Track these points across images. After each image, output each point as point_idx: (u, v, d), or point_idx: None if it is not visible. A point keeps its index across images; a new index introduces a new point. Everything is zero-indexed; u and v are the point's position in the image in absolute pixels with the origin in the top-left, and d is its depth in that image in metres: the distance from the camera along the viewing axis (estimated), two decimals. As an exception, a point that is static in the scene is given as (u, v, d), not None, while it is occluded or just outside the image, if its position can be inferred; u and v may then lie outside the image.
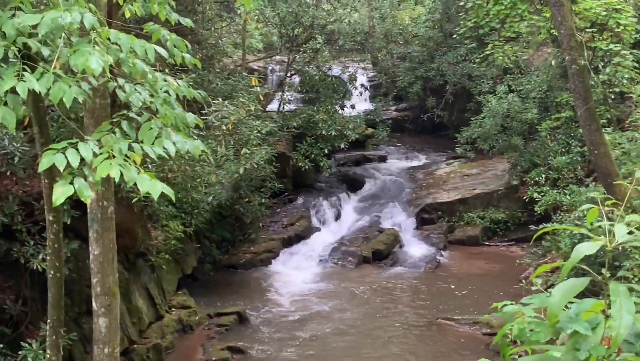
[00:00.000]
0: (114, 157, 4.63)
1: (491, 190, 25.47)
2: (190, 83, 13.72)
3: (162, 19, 6.48)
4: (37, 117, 7.20)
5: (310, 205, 26.04)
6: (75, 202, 13.44)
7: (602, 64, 20.17)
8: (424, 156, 30.86)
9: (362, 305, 20.17)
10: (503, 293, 20.85)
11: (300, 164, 25.06)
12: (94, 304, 7.79)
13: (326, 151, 25.75)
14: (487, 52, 20.32)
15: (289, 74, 27.97)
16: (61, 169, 4.51)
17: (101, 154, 4.63)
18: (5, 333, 12.85)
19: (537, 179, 23.01)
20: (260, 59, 31.38)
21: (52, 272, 8.05)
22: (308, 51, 26.73)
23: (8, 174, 12.82)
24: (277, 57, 31.30)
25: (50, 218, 7.63)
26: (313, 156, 25.46)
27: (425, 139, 32.97)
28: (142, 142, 5.17)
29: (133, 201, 13.01)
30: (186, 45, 6.45)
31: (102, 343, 7.62)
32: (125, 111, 5.50)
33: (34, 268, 12.36)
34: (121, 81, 5.48)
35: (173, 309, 18.36)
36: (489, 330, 18.02)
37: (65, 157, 4.53)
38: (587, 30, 17.79)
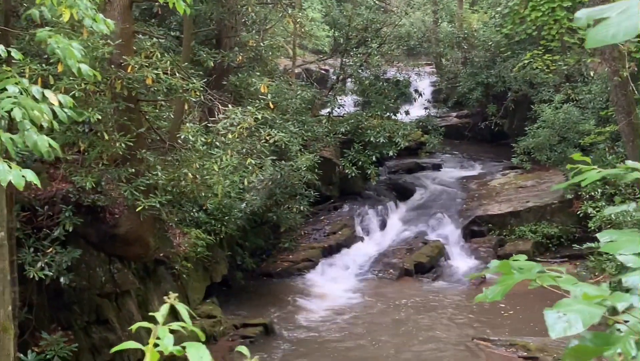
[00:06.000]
0: None
1: (545, 203, 24.24)
2: (199, 87, 13.30)
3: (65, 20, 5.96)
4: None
5: (355, 213, 25.27)
6: (79, 208, 13.21)
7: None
8: (480, 165, 29.73)
9: (396, 320, 19.37)
10: (549, 313, 19.82)
11: (347, 171, 24.39)
12: (-16, 338, 7.30)
13: (374, 158, 24.94)
14: (526, 61, 19.30)
15: (340, 78, 27.35)
16: None
17: None
18: (7, 340, 12.66)
19: (592, 193, 21.77)
20: (312, 62, 30.75)
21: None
22: (359, 55, 26.06)
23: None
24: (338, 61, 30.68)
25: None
26: (361, 163, 24.73)
27: (484, 147, 31.80)
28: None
29: (137, 209, 12.63)
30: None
31: (-7, 382, 7.14)
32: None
33: (31, 276, 12.09)
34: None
35: (197, 319, 17.92)
36: (525, 353, 17.00)
37: None
38: (632, 39, 16.61)
